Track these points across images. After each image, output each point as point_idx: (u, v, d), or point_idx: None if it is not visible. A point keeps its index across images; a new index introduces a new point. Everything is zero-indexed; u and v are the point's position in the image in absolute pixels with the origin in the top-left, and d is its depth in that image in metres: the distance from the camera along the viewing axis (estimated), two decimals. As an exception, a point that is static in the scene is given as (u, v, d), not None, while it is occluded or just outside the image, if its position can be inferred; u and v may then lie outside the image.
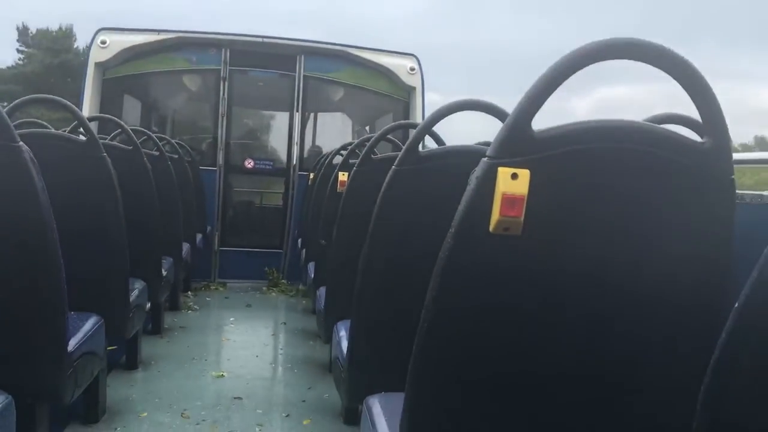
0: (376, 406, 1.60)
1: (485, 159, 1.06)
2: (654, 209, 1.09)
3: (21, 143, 1.68)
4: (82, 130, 2.90)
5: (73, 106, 2.63)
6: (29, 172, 1.68)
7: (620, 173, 1.08)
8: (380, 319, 1.99)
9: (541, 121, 1.09)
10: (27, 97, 2.65)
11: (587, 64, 1.06)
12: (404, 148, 1.91)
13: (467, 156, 1.90)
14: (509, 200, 1.03)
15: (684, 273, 1.09)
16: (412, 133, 1.96)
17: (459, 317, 1.13)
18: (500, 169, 1.03)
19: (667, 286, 1.10)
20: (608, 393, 1.18)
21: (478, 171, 1.07)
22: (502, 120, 1.91)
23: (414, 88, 6.62)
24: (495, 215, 1.03)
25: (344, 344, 2.19)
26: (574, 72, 1.06)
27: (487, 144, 3.42)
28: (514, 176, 1.03)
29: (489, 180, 1.04)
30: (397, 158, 1.91)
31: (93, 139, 2.53)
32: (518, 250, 1.06)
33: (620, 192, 1.08)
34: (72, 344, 2.00)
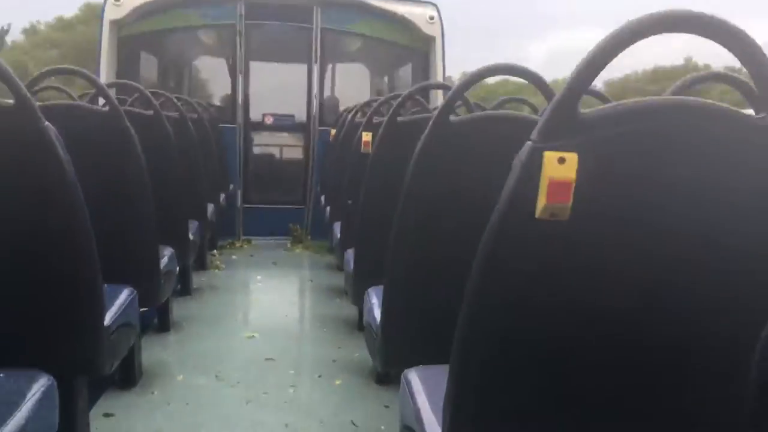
0: (415, 379, 1.60)
1: (529, 143, 1.02)
2: (710, 190, 1.05)
3: (46, 123, 1.66)
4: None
5: (95, 78, 2.60)
6: (56, 151, 1.67)
7: (673, 153, 1.03)
8: (414, 286, 1.98)
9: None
10: (46, 69, 2.62)
11: (636, 41, 1.01)
12: (435, 115, 1.87)
13: (502, 123, 1.86)
14: (556, 185, 0.99)
15: (745, 258, 1.06)
16: (438, 93, 1.92)
17: (504, 302, 1.11)
18: (546, 154, 0.99)
19: (724, 271, 1.07)
20: (659, 379, 1.16)
21: (522, 155, 1.03)
22: (545, 95, 1.86)
23: (433, 38, 6.47)
24: (541, 201, 1.00)
25: (377, 312, 2.19)
26: (623, 49, 1.01)
27: (513, 99, 3.36)
28: (561, 160, 0.99)
29: (534, 165, 1.01)
30: (428, 125, 1.87)
31: (115, 109, 2.51)
32: (566, 235, 1.03)
33: (674, 173, 1.04)
34: (108, 317, 2.02)
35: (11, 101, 1.64)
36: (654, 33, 1.01)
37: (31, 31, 38.52)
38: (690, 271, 1.08)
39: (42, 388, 1.53)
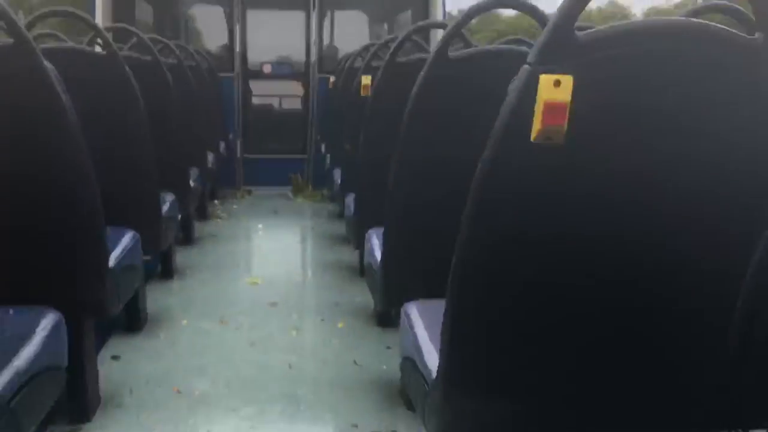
0: (414, 312, 1.63)
1: (526, 66, 1.02)
2: (705, 111, 1.05)
3: (46, 63, 1.65)
4: (99, 41, 2.85)
5: (92, 20, 2.57)
6: (56, 92, 1.66)
7: (669, 75, 1.03)
8: (414, 225, 2.00)
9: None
10: (44, 10, 2.59)
11: None
12: (433, 52, 1.85)
13: (500, 58, 1.84)
14: (551, 108, 0.99)
15: (733, 177, 1.06)
16: (439, 33, 1.90)
17: (500, 228, 1.12)
18: (542, 77, 0.99)
19: (715, 190, 1.07)
20: (650, 305, 1.18)
21: (518, 79, 1.03)
22: (539, 22, 1.84)
23: None
24: (537, 124, 1.01)
25: (377, 251, 2.21)
26: None
27: (517, 41, 3.29)
28: (557, 83, 0.99)
29: (530, 88, 1.01)
30: (427, 63, 1.85)
31: (113, 53, 2.49)
32: (561, 158, 1.04)
33: (669, 94, 1.04)
34: (112, 259, 2.05)
35: (11, 40, 1.62)
36: None
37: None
38: (687, 195, 1.09)
39: (51, 324, 1.56)
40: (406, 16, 7.16)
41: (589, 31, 1.02)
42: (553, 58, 1.00)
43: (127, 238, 2.29)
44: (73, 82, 1.81)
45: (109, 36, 2.62)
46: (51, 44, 2.64)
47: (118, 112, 2.51)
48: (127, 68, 2.48)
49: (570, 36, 1.01)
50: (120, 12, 6.12)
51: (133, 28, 3.45)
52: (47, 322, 1.56)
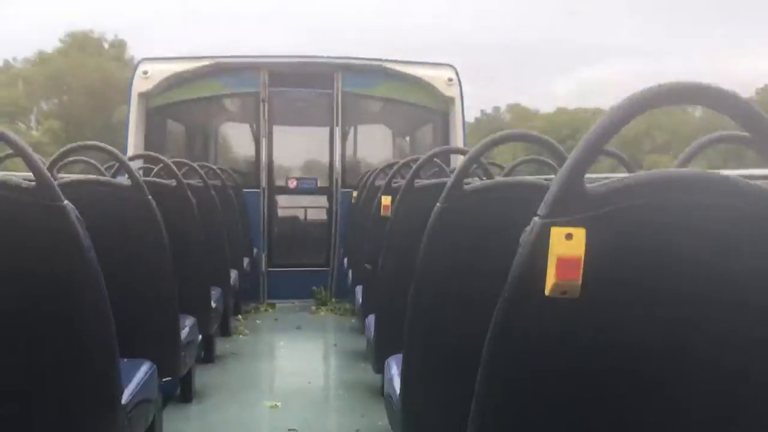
0: None
1: (536, 218, 1.01)
2: (725, 260, 1.01)
3: (66, 202, 1.68)
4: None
5: (116, 152, 2.66)
6: (75, 231, 1.68)
7: (684, 226, 1.00)
8: (433, 360, 1.94)
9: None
10: (72, 145, 2.69)
11: (642, 112, 1.00)
12: (449, 184, 1.86)
13: (516, 189, 1.84)
14: (565, 263, 0.97)
15: (758, 328, 1.01)
16: (458, 158, 1.92)
17: (515, 383, 1.08)
18: (553, 230, 0.97)
19: (737, 346, 1.02)
20: None
21: (529, 231, 1.01)
22: (550, 151, 1.85)
23: (453, 99, 6.56)
24: (551, 279, 0.98)
25: (396, 382, 2.14)
26: (629, 120, 1.00)
27: (531, 160, 3.33)
28: (569, 236, 0.97)
29: (542, 241, 0.98)
30: (443, 194, 1.86)
31: (137, 182, 2.55)
32: (578, 313, 1.00)
33: (685, 246, 1.01)
34: (126, 394, 2.00)
35: (33, 180, 1.66)
36: (658, 106, 1.00)
37: (4, 68, 38.05)
38: (707, 347, 1.03)
39: None
40: (428, 129, 7.35)
41: (601, 183, 1.01)
42: (563, 211, 0.99)
43: (143, 370, 2.25)
44: (94, 213, 1.83)
45: (139, 162, 2.70)
46: (75, 175, 2.72)
47: (139, 239, 2.54)
48: (149, 196, 2.53)
49: (580, 188, 1.00)
50: (151, 133, 6.37)
51: (158, 155, 3.56)
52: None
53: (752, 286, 1.00)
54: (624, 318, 1.02)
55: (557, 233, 0.97)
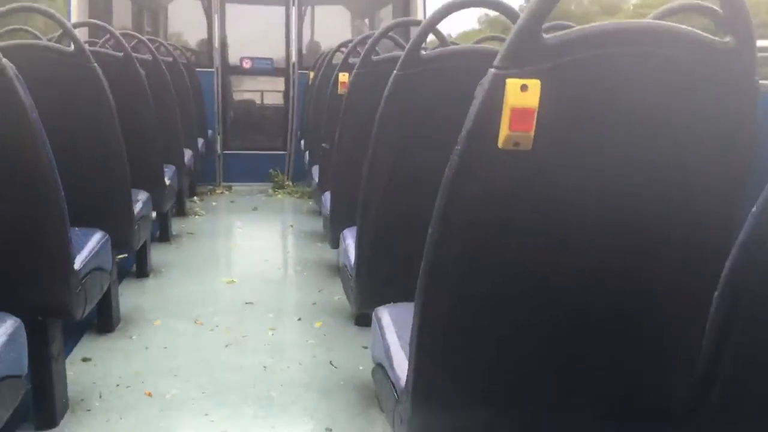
0: (385, 317, 1.60)
1: (492, 70, 0.99)
2: (675, 117, 1.02)
3: (3, 60, 1.60)
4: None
5: (58, 14, 2.51)
6: (15, 90, 1.61)
7: (638, 79, 1.01)
8: (386, 228, 1.97)
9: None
10: (8, 7, 2.52)
11: None
12: (405, 50, 1.82)
13: (473, 57, 1.81)
14: (519, 114, 0.96)
15: (702, 186, 1.04)
16: (414, 30, 1.86)
17: (467, 234, 1.10)
18: (509, 81, 0.96)
19: (683, 199, 1.05)
20: (621, 309, 1.16)
21: (484, 83, 1.00)
22: (512, 20, 1.81)
23: None
24: (504, 130, 0.98)
25: (351, 252, 2.18)
26: None
27: (494, 38, 3.26)
28: (524, 87, 0.96)
29: (497, 92, 0.97)
30: (399, 62, 1.82)
31: (81, 48, 2.42)
32: (529, 165, 1.01)
33: (638, 99, 1.01)
34: (79, 261, 2.00)
35: None
36: None
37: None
38: (656, 199, 1.06)
39: (8, 330, 1.51)
40: (388, 10, 7.12)
41: (556, 33, 1.00)
42: (519, 62, 0.97)
43: (95, 239, 2.24)
44: (38, 79, 1.75)
45: (84, 31, 2.56)
46: (16, 41, 2.57)
47: (86, 109, 2.45)
48: (94, 63, 2.42)
49: (537, 39, 0.98)
50: (96, 9, 6.02)
51: (105, 24, 3.38)
52: (4, 328, 1.51)
53: (694, 128, 1.02)
54: (575, 169, 1.04)
55: (513, 84, 0.96)
